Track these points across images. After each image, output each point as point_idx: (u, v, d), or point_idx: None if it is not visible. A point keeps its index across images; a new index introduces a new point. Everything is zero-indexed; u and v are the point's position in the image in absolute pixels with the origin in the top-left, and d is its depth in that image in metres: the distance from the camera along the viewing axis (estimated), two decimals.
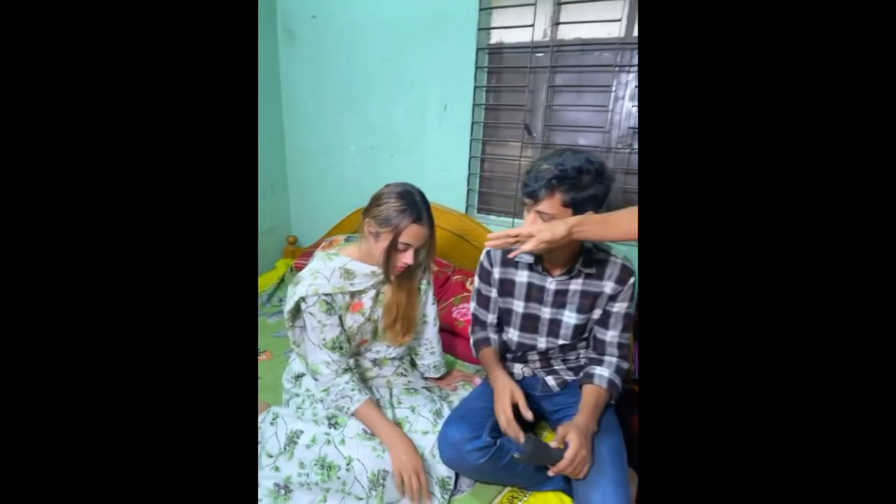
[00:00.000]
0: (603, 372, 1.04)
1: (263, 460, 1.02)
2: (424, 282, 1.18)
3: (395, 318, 1.11)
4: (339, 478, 0.93)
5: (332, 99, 2.08)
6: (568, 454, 0.86)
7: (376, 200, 1.03)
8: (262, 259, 2.25)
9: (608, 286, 1.03)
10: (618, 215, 0.86)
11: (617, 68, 1.52)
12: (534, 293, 1.10)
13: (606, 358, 1.06)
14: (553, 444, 0.87)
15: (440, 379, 1.29)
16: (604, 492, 0.87)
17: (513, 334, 1.15)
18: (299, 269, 2.05)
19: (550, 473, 0.88)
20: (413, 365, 1.28)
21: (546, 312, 1.09)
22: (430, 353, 1.25)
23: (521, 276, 1.11)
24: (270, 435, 1.04)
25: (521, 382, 1.17)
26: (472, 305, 1.23)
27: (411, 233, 0.98)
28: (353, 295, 1.07)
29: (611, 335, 1.06)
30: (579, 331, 1.08)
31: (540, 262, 1.07)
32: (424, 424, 1.05)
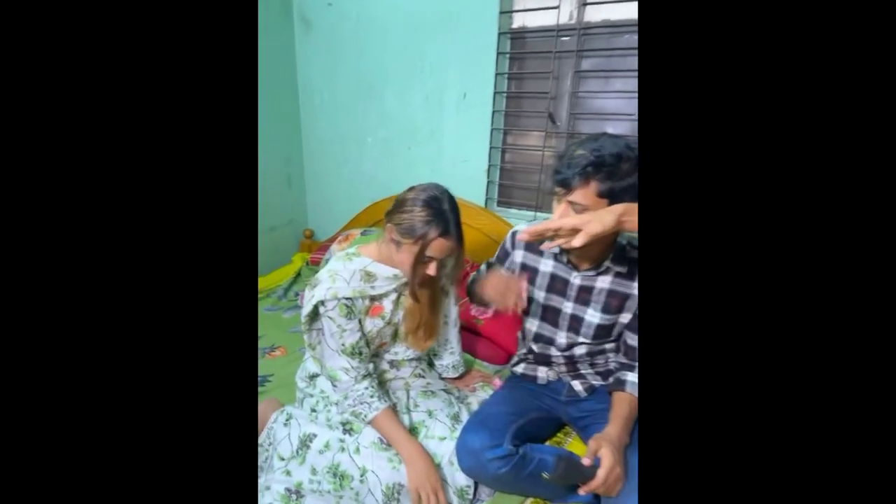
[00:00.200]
0: (636, 379, 0.96)
1: (276, 462, 0.98)
2: (445, 277, 1.11)
3: (417, 324, 1.04)
4: (352, 488, 0.89)
5: (348, 88, 2.03)
6: (601, 473, 0.79)
7: (400, 205, 0.92)
8: (279, 253, 2.23)
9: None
10: None
11: None
12: (556, 285, 1.03)
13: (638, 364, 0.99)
14: (585, 460, 0.81)
15: (458, 379, 1.24)
16: None
17: (531, 324, 1.09)
18: (315, 263, 2.04)
19: (582, 493, 0.82)
20: (431, 365, 1.23)
21: (568, 307, 1.02)
22: (450, 353, 1.20)
23: (546, 266, 1.04)
24: (283, 436, 1.00)
25: (546, 387, 1.11)
26: (482, 266, 1.15)
27: (437, 247, 0.90)
28: (373, 298, 1.01)
29: None
30: (604, 331, 1.01)
31: (566, 253, 1.00)
32: (442, 430, 1.00)
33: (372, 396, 0.96)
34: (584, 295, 1.00)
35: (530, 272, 1.06)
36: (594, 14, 1.50)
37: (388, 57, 1.87)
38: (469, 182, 1.80)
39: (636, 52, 1.44)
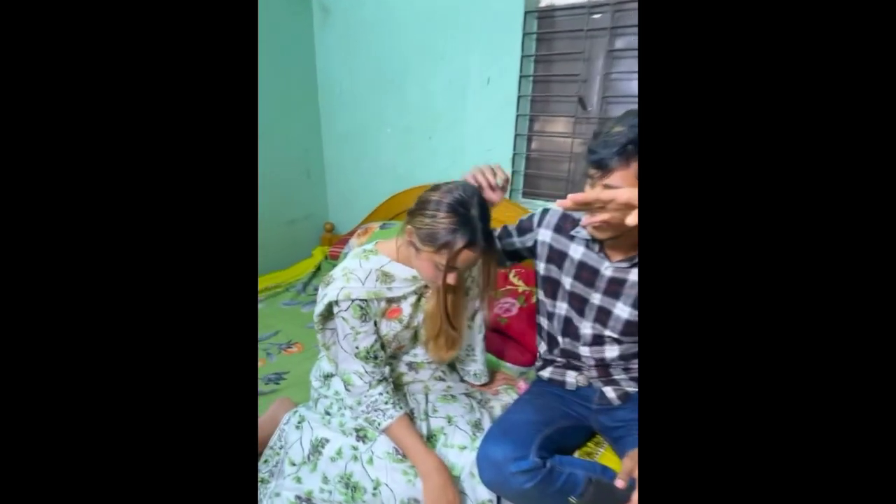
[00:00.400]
0: None
1: (286, 468, 0.94)
2: (471, 280, 1.02)
3: (438, 330, 0.94)
4: (364, 501, 0.84)
5: (367, 76, 1.97)
6: (637, 497, 0.70)
7: (423, 206, 0.81)
8: (299, 247, 2.20)
9: None
10: None
11: None
12: (584, 275, 0.94)
13: None
14: (619, 482, 0.72)
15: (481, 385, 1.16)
16: None
17: (560, 308, 1.00)
18: (334, 257, 2.00)
19: None
20: (452, 367, 1.16)
21: (596, 298, 0.93)
22: (473, 360, 1.10)
23: (576, 252, 0.95)
24: (295, 440, 0.95)
25: (575, 393, 1.02)
26: (497, 230, 1.05)
27: (461, 258, 0.79)
28: (390, 301, 0.93)
29: None
30: (633, 328, 0.91)
31: (598, 241, 0.91)
32: (462, 438, 0.92)
33: (386, 403, 0.89)
34: (615, 287, 0.91)
35: (557, 256, 0.97)
36: None
37: (408, 41, 1.79)
38: None
39: None
